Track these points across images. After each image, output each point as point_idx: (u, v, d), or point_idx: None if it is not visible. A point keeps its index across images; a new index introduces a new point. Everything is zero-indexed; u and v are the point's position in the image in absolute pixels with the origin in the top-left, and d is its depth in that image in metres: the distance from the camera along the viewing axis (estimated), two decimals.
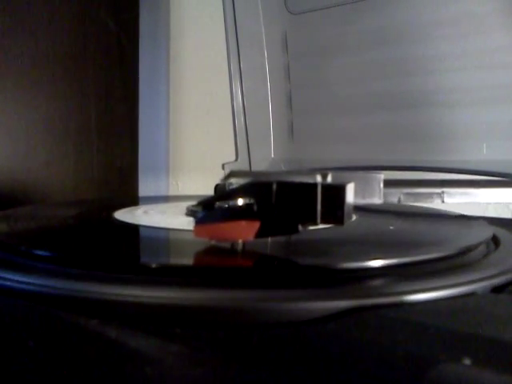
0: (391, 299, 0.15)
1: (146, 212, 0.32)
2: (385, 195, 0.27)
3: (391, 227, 0.28)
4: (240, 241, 0.20)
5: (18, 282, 0.17)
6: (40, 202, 0.55)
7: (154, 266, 0.18)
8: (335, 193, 0.18)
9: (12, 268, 0.18)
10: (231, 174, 0.30)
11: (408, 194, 0.30)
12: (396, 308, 0.15)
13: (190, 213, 0.30)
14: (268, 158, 0.51)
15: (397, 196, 0.29)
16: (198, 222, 0.20)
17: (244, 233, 0.19)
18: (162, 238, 0.26)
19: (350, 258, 0.19)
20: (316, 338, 0.13)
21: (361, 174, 0.28)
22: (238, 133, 0.49)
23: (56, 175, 0.58)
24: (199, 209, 0.22)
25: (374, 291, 0.16)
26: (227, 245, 0.20)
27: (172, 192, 0.69)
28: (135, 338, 0.13)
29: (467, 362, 0.11)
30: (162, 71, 0.68)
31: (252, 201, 0.19)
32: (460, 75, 0.40)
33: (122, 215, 0.30)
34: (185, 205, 0.31)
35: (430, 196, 0.30)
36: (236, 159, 0.49)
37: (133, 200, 0.48)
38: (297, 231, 0.19)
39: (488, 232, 0.25)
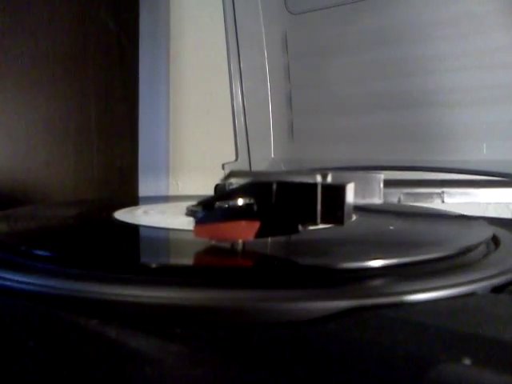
0: (391, 299, 0.15)
1: (145, 212, 0.32)
2: (385, 195, 0.27)
3: (391, 227, 0.28)
4: (240, 241, 0.20)
5: (18, 282, 0.17)
6: (40, 202, 0.55)
7: (153, 266, 0.18)
8: (335, 193, 0.18)
9: (12, 268, 0.18)
10: (231, 174, 0.30)
11: (408, 193, 0.30)
12: (396, 308, 0.15)
13: (190, 213, 0.30)
14: (268, 157, 0.51)
15: (397, 196, 0.29)
16: (198, 221, 0.20)
17: (244, 233, 0.19)
18: (162, 238, 0.26)
19: (350, 258, 0.19)
20: (316, 337, 0.13)
21: (361, 173, 0.28)
22: (238, 133, 0.49)
23: (56, 175, 0.58)
24: (199, 209, 0.22)
25: (374, 291, 0.16)
26: (227, 245, 0.20)
27: (172, 192, 0.69)
28: (135, 338, 0.13)
29: (467, 361, 0.11)
30: (162, 71, 0.68)
31: (252, 201, 0.19)
32: (460, 75, 0.40)
33: (122, 215, 0.30)
34: (185, 205, 0.31)
35: (429, 196, 0.30)
36: (236, 159, 0.49)
37: (133, 200, 0.48)
38: (297, 231, 0.19)
39: (488, 232, 0.25)
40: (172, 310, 0.15)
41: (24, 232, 0.26)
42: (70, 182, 0.60)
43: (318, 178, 0.26)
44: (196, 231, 0.20)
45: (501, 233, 0.26)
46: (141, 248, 0.24)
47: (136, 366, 0.11)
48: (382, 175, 0.27)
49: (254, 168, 0.50)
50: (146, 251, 0.23)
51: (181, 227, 0.26)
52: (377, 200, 0.27)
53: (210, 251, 0.20)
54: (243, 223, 0.19)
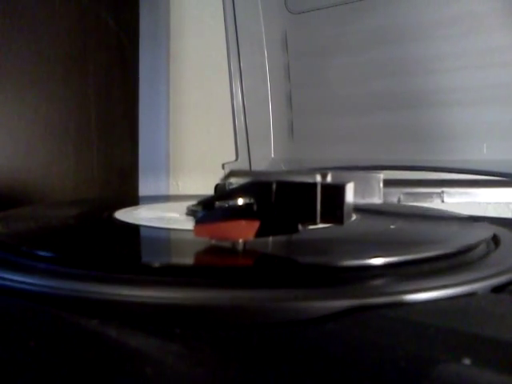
0: (391, 299, 0.15)
1: (146, 212, 0.32)
2: (385, 195, 0.27)
3: (392, 226, 0.28)
4: (241, 240, 0.20)
5: (18, 282, 0.17)
6: (40, 202, 0.55)
7: (154, 265, 0.18)
8: (335, 192, 0.18)
9: (13, 268, 0.18)
10: (231, 174, 0.30)
11: (408, 193, 0.30)
12: (396, 308, 0.15)
13: (190, 213, 0.30)
14: (268, 157, 0.51)
15: (397, 196, 0.29)
16: (198, 221, 0.20)
17: (244, 232, 0.19)
18: (162, 237, 0.26)
19: (350, 257, 0.19)
20: (316, 337, 0.13)
21: (361, 173, 0.28)
22: (238, 132, 0.49)
23: (56, 175, 0.58)
24: (199, 208, 0.22)
25: (374, 291, 0.16)
26: (227, 244, 0.20)
27: (172, 192, 0.69)
28: (135, 338, 0.13)
29: (467, 362, 0.11)
30: (162, 71, 0.68)
31: (252, 200, 0.19)
32: (460, 75, 0.40)
33: (123, 215, 0.30)
34: (185, 205, 0.31)
35: (429, 196, 0.30)
36: (236, 159, 0.49)
37: (133, 200, 0.48)
38: (297, 231, 0.19)
39: (489, 232, 0.25)
40: (172, 309, 0.15)
41: (24, 232, 0.26)
42: (70, 182, 0.60)
43: (318, 178, 0.26)
44: (196, 231, 0.20)
45: (501, 232, 0.26)
46: (141, 248, 0.24)
47: (136, 366, 0.11)
48: (382, 175, 0.27)
49: (254, 168, 0.50)
50: (146, 251, 0.23)
51: (181, 227, 0.26)
52: (377, 200, 0.27)
53: (210, 251, 0.20)
54: (243, 223, 0.19)
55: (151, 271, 0.18)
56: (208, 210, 0.21)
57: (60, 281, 0.16)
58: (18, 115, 0.54)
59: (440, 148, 0.42)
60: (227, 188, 0.29)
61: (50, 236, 0.25)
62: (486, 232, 0.25)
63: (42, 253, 0.20)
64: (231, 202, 0.20)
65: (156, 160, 0.69)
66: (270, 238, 0.22)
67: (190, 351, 0.12)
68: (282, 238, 0.22)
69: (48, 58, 0.56)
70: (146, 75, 0.68)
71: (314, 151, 0.49)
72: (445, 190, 0.29)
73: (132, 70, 0.67)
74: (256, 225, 0.19)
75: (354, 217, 0.28)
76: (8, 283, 0.17)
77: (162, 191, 0.69)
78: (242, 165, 0.49)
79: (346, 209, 0.18)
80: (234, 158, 0.49)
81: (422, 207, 0.34)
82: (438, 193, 0.29)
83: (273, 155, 0.51)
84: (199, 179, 0.65)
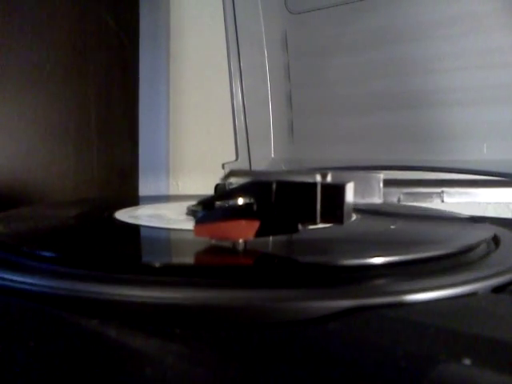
0: (392, 299, 0.15)
1: (146, 212, 0.32)
2: (385, 195, 0.27)
3: (392, 226, 0.28)
4: (241, 240, 0.20)
5: (18, 282, 0.17)
6: (40, 202, 0.55)
7: (154, 265, 0.18)
8: (335, 192, 0.18)
9: (13, 268, 0.18)
10: (231, 174, 0.30)
11: (408, 193, 0.30)
12: (396, 308, 0.15)
13: (190, 212, 0.30)
14: (268, 157, 0.51)
15: (397, 196, 0.29)
16: (198, 221, 0.20)
17: (244, 232, 0.19)
18: (162, 237, 0.26)
19: (350, 258, 0.19)
20: (316, 337, 0.13)
21: (361, 173, 0.28)
22: (238, 132, 0.49)
23: (56, 175, 0.58)
24: (199, 208, 0.22)
25: (374, 291, 0.16)
26: (228, 244, 0.20)
27: (172, 192, 0.69)
28: (135, 338, 0.13)
29: (467, 362, 0.11)
30: (162, 71, 0.68)
31: (252, 200, 0.19)
32: (460, 75, 0.40)
33: (123, 215, 0.30)
34: (185, 205, 0.31)
35: (429, 196, 0.30)
36: (236, 159, 0.49)
37: (133, 200, 0.48)
38: (296, 230, 0.19)
39: (489, 232, 0.25)
40: (172, 310, 0.15)
41: (25, 232, 0.26)
42: (70, 182, 0.60)
43: (318, 178, 0.26)
44: (196, 231, 0.20)
45: (501, 233, 0.26)
46: (141, 248, 0.24)
47: (136, 366, 0.11)
48: (382, 175, 0.27)
49: (254, 168, 0.50)
50: (146, 251, 0.23)
51: (181, 227, 0.26)
52: (376, 200, 0.27)
53: (211, 251, 0.20)
54: (243, 222, 0.19)
55: (151, 271, 0.18)
56: (208, 209, 0.21)
57: (60, 281, 0.16)
58: (17, 115, 0.54)
59: (440, 148, 0.42)
60: (227, 188, 0.29)
61: (50, 236, 0.25)
62: (486, 232, 0.25)
63: (42, 253, 0.20)
64: (231, 202, 0.20)
65: (156, 160, 0.69)
66: (270, 238, 0.22)
67: (190, 351, 0.12)
68: (282, 238, 0.22)
69: (48, 58, 0.56)
70: (145, 75, 0.68)
71: (314, 151, 0.49)
72: (445, 189, 0.29)
73: (132, 70, 0.67)
74: (256, 225, 0.19)
75: (354, 217, 0.28)
76: (8, 283, 0.17)
77: (162, 191, 0.69)
78: (242, 165, 0.49)
79: (345, 209, 0.18)
80: (234, 157, 0.49)
81: (422, 207, 0.34)
82: (437, 193, 0.29)
83: (273, 155, 0.51)
84: (199, 179, 0.65)
